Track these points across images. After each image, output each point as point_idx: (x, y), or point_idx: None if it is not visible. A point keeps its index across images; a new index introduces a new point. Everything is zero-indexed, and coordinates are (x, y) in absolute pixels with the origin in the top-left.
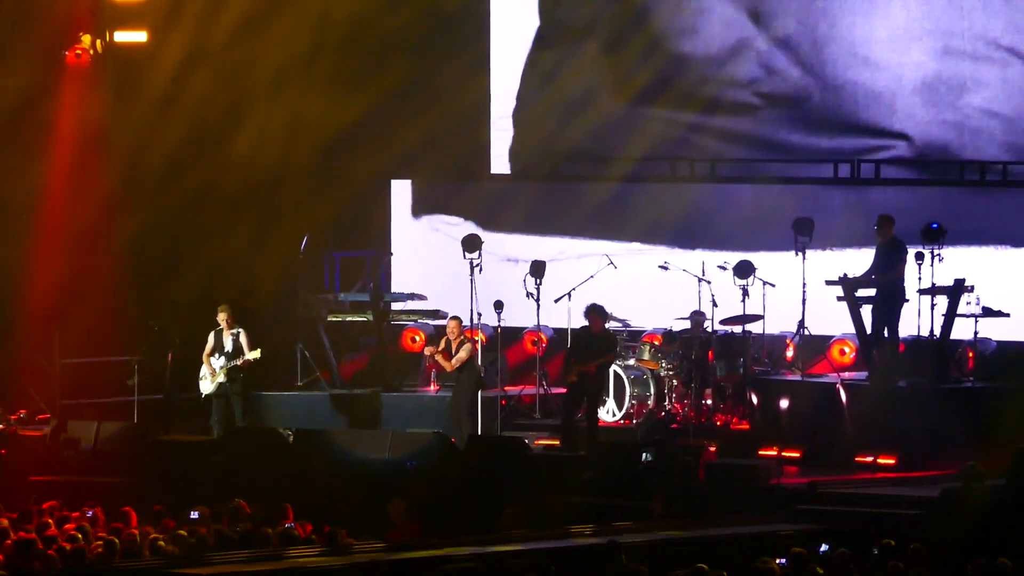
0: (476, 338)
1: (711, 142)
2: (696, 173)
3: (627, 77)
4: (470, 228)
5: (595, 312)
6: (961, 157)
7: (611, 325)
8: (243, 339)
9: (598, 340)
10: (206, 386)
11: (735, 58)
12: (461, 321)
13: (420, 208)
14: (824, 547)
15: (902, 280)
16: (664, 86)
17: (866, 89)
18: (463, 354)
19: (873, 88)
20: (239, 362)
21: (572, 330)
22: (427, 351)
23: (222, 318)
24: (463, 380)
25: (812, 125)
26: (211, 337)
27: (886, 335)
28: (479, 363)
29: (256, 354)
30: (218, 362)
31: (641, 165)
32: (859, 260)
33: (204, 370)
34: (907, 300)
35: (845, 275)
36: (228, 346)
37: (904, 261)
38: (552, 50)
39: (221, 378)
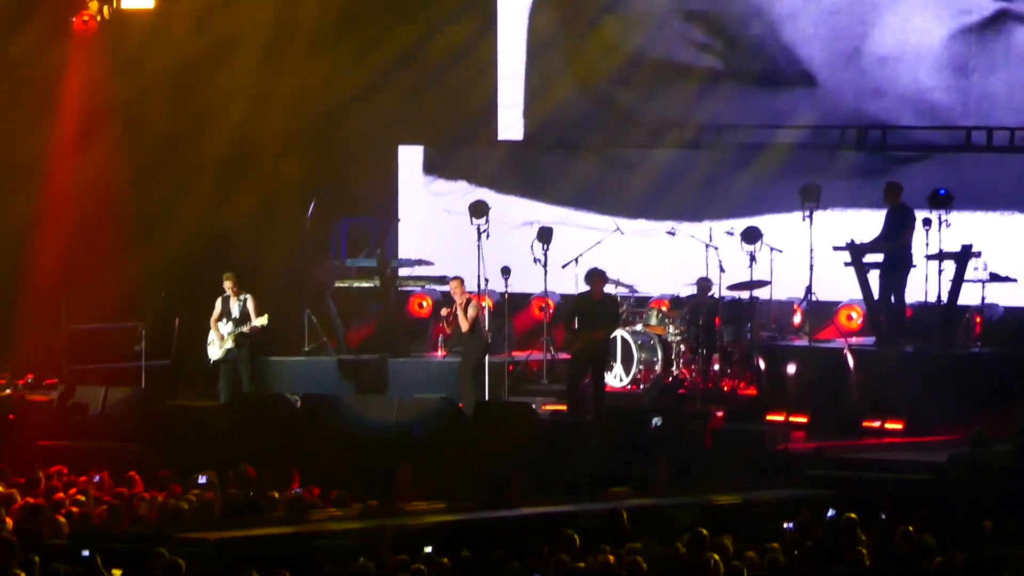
0: (484, 304)
1: (719, 108)
2: (701, 140)
3: (631, 42)
4: (477, 194)
5: (596, 277)
6: (967, 122)
7: (619, 291)
8: (250, 305)
9: (601, 305)
10: (214, 352)
11: (747, 23)
12: (462, 281)
13: (427, 174)
14: (831, 513)
15: (909, 246)
16: (671, 52)
17: (873, 55)
18: (472, 311)
19: (880, 54)
20: (246, 328)
21: (573, 296)
22: (444, 312)
23: (228, 285)
24: (471, 343)
25: (820, 92)
26: (218, 303)
27: (892, 301)
28: (486, 327)
29: (263, 320)
30: (226, 328)
31: (649, 132)
32: (866, 225)
33: (212, 336)
34: (914, 266)
35: (852, 241)
36: (235, 312)
37: (912, 227)
38: (554, 13)
39: (229, 344)
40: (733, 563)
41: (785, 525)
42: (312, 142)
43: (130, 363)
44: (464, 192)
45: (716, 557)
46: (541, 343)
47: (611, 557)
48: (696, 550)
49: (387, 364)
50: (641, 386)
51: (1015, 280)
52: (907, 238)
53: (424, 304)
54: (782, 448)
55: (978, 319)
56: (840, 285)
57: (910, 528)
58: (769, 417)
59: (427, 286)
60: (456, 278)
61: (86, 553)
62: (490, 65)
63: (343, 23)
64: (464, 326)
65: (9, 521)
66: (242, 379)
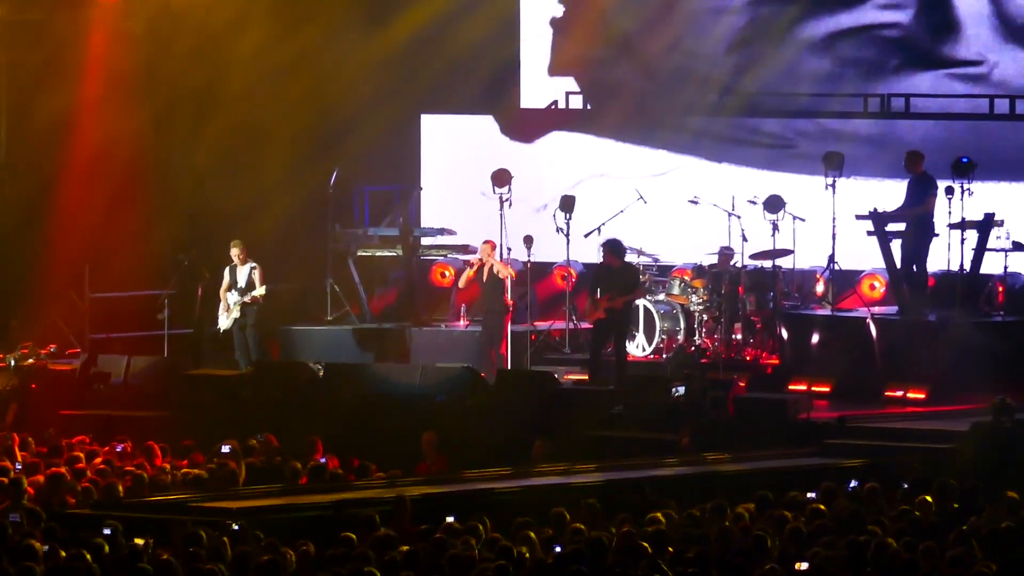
0: (508, 271)
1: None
2: (725, 104)
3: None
4: (499, 163)
5: (612, 247)
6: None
7: (641, 260)
8: (256, 275)
9: (620, 274)
10: (224, 322)
11: None
12: (494, 245)
13: (451, 142)
14: (853, 483)
15: (932, 214)
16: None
17: (895, 24)
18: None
19: (903, 22)
20: (247, 298)
21: (593, 267)
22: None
23: (235, 253)
24: (495, 308)
25: (842, 60)
26: (226, 273)
27: (915, 269)
28: (509, 295)
29: (262, 291)
30: (233, 297)
31: (673, 96)
32: (888, 193)
33: (222, 306)
34: (936, 235)
35: (875, 209)
36: (242, 281)
37: (934, 196)
38: None
39: (236, 313)
40: (756, 531)
41: (808, 494)
42: (334, 110)
43: (153, 331)
44: (486, 160)
45: (737, 526)
46: (563, 312)
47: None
48: (718, 518)
49: (409, 333)
50: (664, 355)
51: None
52: (929, 206)
53: (446, 273)
54: (804, 417)
55: (1000, 287)
56: (863, 254)
57: (930, 498)
58: (791, 386)
59: (449, 255)
60: (487, 241)
61: (107, 531)
62: (513, 32)
63: None
64: (502, 272)
65: (30, 490)
66: (248, 347)
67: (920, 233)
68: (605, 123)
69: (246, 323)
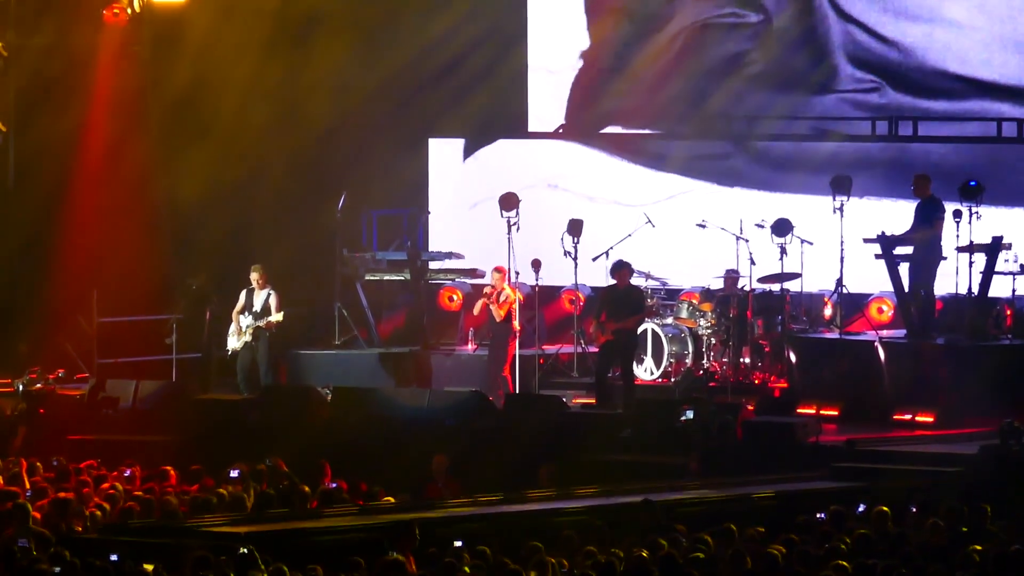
0: (515, 296)
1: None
2: (733, 129)
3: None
4: (507, 186)
5: (621, 269)
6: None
7: (649, 284)
8: (273, 300)
9: (627, 296)
10: (233, 343)
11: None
12: (506, 273)
13: (458, 165)
14: (862, 507)
15: (939, 238)
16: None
17: (903, 45)
18: (504, 302)
19: (910, 44)
20: (263, 323)
21: (600, 289)
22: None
23: (255, 277)
24: (502, 331)
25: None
26: (243, 295)
27: (923, 293)
28: (517, 320)
29: (279, 317)
30: (246, 320)
31: (679, 122)
32: (897, 216)
33: (233, 327)
34: (944, 258)
35: (883, 232)
36: (257, 306)
37: (942, 219)
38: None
39: (247, 337)
40: (765, 553)
41: (818, 515)
42: (343, 134)
43: (161, 356)
44: (494, 183)
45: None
46: (571, 336)
47: (644, 552)
48: (726, 542)
49: (419, 357)
50: (672, 379)
51: None
52: (938, 229)
53: (454, 297)
54: (813, 440)
55: (1009, 311)
56: (871, 277)
57: (941, 521)
58: (800, 409)
59: (457, 279)
60: (499, 268)
61: (115, 558)
62: (521, 56)
63: (373, 15)
64: (498, 315)
65: (36, 515)
66: (260, 371)
67: (929, 256)
68: (613, 147)
69: (257, 347)
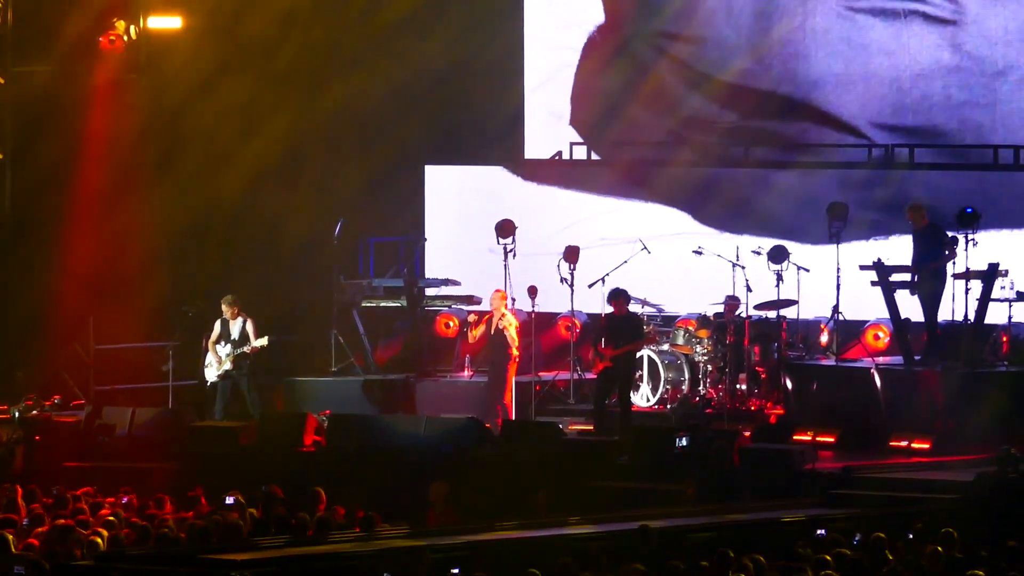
0: (512, 322)
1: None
2: (730, 156)
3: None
4: (504, 213)
5: (618, 296)
6: (995, 141)
7: (646, 311)
8: (249, 327)
9: (624, 324)
10: (211, 373)
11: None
12: (505, 295)
13: (455, 192)
14: (858, 537)
15: (944, 267)
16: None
17: (899, 73)
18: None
19: (906, 72)
20: (247, 349)
21: (598, 317)
22: (472, 318)
23: (225, 309)
24: (500, 358)
25: (845, 109)
26: (217, 325)
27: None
28: (514, 346)
29: (263, 341)
30: (224, 350)
31: (672, 148)
32: (892, 245)
33: (210, 357)
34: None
35: (879, 260)
36: (235, 334)
37: (953, 253)
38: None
39: (227, 365)
40: None
41: (818, 532)
42: (340, 161)
43: (158, 383)
44: (491, 211)
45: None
46: (568, 363)
47: None
48: (723, 570)
49: (414, 384)
50: (668, 405)
51: None
52: (943, 261)
53: (451, 324)
54: (809, 467)
55: (1005, 337)
56: (867, 304)
57: (939, 548)
58: (796, 436)
59: (454, 306)
60: (499, 290)
61: None
62: (517, 84)
63: (370, 43)
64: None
65: (35, 542)
66: (245, 399)
67: (938, 288)
68: (609, 175)
69: (239, 375)
